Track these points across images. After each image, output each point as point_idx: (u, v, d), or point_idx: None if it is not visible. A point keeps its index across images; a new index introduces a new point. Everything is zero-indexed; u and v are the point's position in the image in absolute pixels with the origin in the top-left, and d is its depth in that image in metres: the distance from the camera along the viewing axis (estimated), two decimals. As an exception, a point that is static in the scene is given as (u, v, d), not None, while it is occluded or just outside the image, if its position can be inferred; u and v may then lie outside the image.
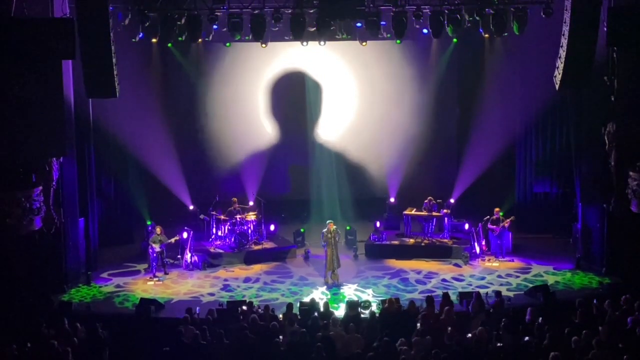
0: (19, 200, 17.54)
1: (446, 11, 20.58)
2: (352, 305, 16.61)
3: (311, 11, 20.51)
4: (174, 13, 20.37)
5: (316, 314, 15.75)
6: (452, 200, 24.73)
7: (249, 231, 22.92)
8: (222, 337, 14.03)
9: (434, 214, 23.08)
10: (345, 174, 26.52)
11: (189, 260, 21.63)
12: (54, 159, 18.58)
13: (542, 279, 20.20)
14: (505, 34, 21.44)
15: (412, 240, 23.13)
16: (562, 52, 18.94)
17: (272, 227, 24.03)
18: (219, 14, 20.85)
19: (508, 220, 21.86)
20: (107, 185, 23.74)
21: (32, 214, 17.90)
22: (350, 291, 19.59)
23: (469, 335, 14.26)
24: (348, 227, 23.77)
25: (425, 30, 22.26)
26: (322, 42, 22.80)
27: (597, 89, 19.64)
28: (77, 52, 18.28)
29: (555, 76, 19.63)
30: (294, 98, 26.36)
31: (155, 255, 20.77)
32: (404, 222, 23.71)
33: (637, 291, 16.19)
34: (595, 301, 15.85)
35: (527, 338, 13.87)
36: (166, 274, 20.98)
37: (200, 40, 22.24)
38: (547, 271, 20.88)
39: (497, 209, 22.13)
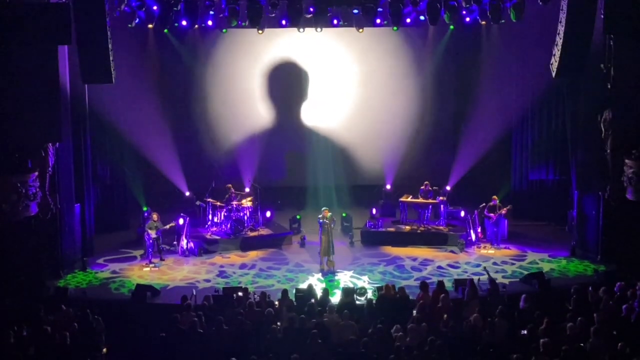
0: (15, 185, 17.56)
1: (443, -2, 20.60)
2: (348, 292, 16.66)
3: (308, -3, 20.53)
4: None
5: (313, 300, 15.80)
6: (448, 188, 24.75)
7: (245, 218, 22.91)
8: (220, 324, 14.07)
9: (430, 201, 23.09)
10: (341, 160, 26.56)
11: (185, 247, 21.65)
12: (50, 144, 18.56)
13: (537, 266, 20.23)
14: (502, 21, 21.47)
15: (408, 227, 23.15)
16: (559, 40, 18.93)
17: (268, 214, 24.03)
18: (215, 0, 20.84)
19: (505, 208, 21.86)
20: (103, 171, 23.71)
21: (28, 200, 17.91)
22: (345, 278, 19.62)
23: (466, 320, 14.32)
24: (344, 214, 23.76)
25: (422, 17, 22.30)
26: (318, 29, 22.83)
27: (594, 76, 19.61)
28: (73, 38, 18.27)
29: (551, 64, 19.63)
30: (291, 84, 26.33)
31: (151, 241, 20.78)
32: (400, 209, 23.72)
33: (631, 279, 16.25)
34: (590, 289, 15.91)
35: (524, 332, 13.92)
36: (162, 260, 20.99)
37: (196, 26, 22.24)
38: (542, 258, 20.91)
39: (494, 197, 22.12)
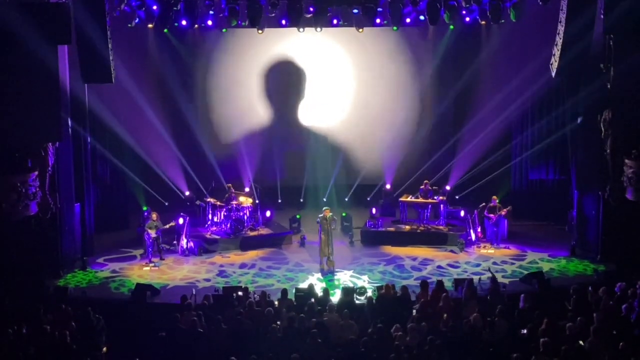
0: (15, 185, 17.57)
1: (443, -2, 20.62)
2: (348, 292, 16.66)
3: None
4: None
5: (312, 300, 15.79)
6: (448, 187, 24.76)
7: (245, 217, 22.91)
8: (219, 323, 14.07)
9: (430, 200, 23.08)
10: (341, 160, 26.56)
11: (184, 246, 21.65)
12: (50, 144, 18.57)
13: (537, 266, 20.22)
14: (502, 20, 21.47)
15: (407, 227, 23.14)
16: (559, 39, 18.95)
17: (267, 213, 24.02)
18: (215, -1, 20.87)
19: (505, 209, 21.85)
20: (103, 171, 23.71)
21: (28, 199, 17.92)
22: (345, 277, 19.62)
23: (466, 320, 14.32)
24: (344, 214, 23.76)
25: (422, 17, 22.30)
26: (318, 29, 22.82)
27: (594, 76, 19.62)
28: (73, 38, 18.28)
29: (551, 63, 19.65)
30: (290, 84, 26.33)
31: (151, 241, 20.79)
32: (399, 209, 23.72)
33: (631, 278, 16.25)
34: (590, 288, 15.90)
35: (524, 331, 13.92)
36: (162, 259, 20.99)
37: (196, 26, 22.24)
38: (542, 258, 20.89)
39: (494, 197, 22.11)
